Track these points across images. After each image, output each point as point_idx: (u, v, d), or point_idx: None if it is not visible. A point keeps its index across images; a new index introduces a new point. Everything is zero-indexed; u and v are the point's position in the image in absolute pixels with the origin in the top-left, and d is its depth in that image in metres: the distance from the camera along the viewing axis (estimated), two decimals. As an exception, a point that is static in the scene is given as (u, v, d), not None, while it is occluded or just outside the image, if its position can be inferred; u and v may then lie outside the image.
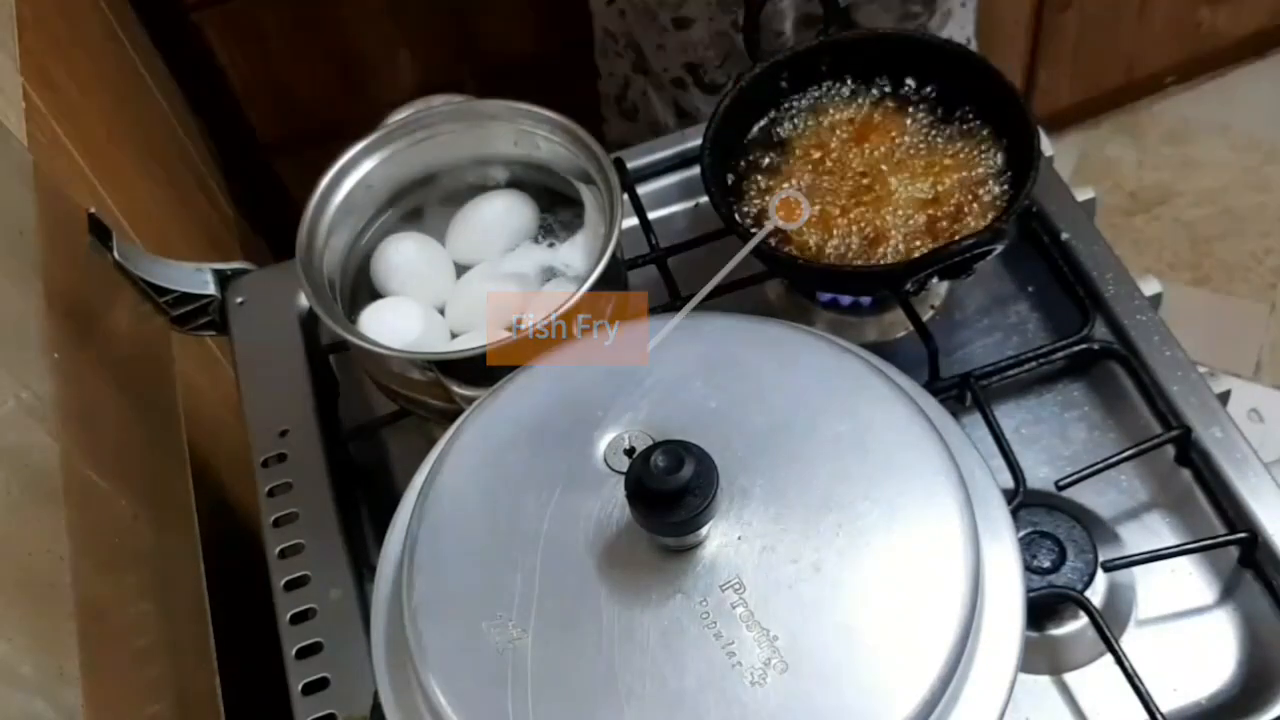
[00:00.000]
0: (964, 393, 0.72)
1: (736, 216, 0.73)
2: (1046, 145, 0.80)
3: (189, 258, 0.86)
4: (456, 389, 0.63)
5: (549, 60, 1.39)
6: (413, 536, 0.47)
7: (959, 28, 1.13)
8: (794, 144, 0.76)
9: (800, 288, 0.79)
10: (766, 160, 0.76)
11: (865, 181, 0.73)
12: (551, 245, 0.74)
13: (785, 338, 0.51)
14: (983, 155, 0.74)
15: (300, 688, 0.66)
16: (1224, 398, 0.71)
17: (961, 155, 0.74)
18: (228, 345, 0.83)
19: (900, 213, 0.72)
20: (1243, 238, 1.75)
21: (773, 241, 0.72)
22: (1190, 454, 0.69)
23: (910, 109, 0.76)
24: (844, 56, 0.77)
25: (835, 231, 0.72)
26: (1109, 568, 0.65)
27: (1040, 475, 0.70)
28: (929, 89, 0.76)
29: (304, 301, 0.83)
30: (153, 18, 1.21)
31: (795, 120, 0.77)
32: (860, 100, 0.77)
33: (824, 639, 0.42)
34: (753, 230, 0.72)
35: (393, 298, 0.74)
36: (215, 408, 0.93)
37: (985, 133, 0.74)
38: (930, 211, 0.72)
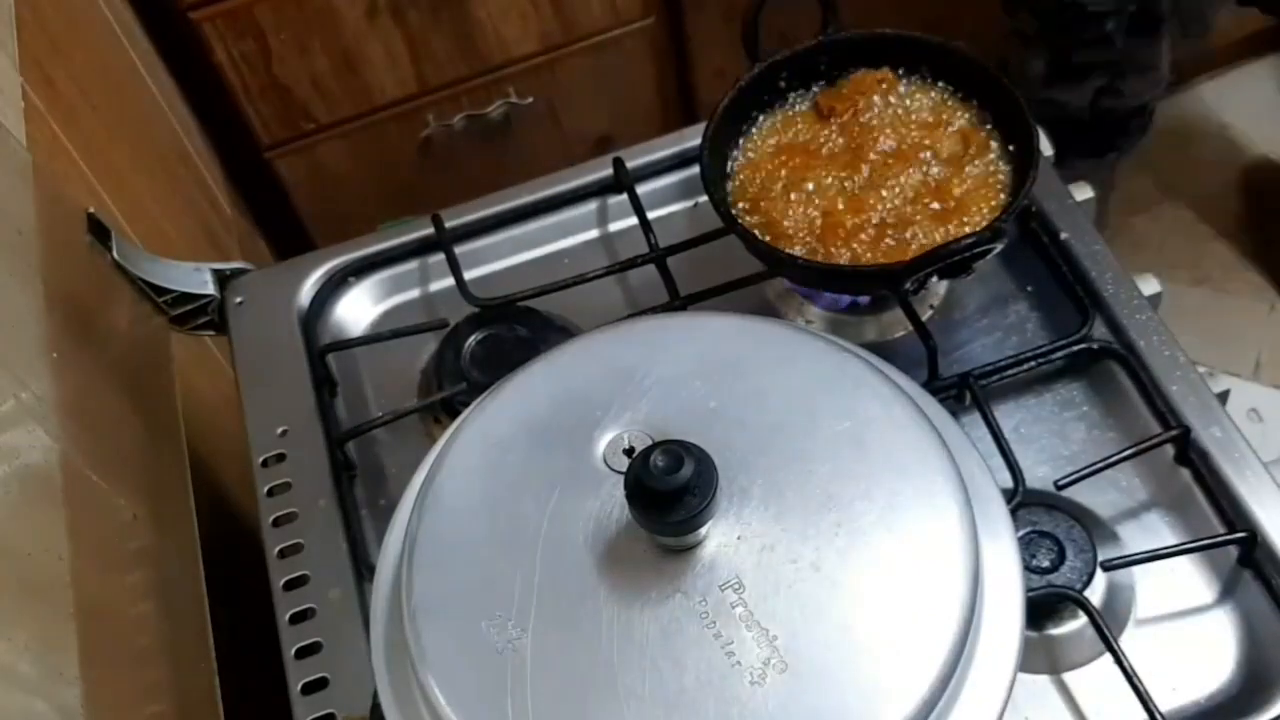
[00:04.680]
0: (963, 392, 0.72)
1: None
2: (1046, 145, 0.80)
3: (188, 257, 0.86)
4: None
5: (549, 60, 1.39)
6: (412, 536, 0.47)
7: None
8: (793, 142, 0.76)
9: (800, 287, 0.79)
10: (767, 159, 0.76)
11: (866, 179, 0.73)
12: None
13: (785, 338, 0.51)
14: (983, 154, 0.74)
15: (300, 687, 0.66)
16: (1223, 397, 0.71)
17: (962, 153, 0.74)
18: (227, 345, 0.83)
19: (900, 209, 0.72)
20: (1243, 238, 1.75)
21: (770, 239, 0.72)
22: (1189, 454, 0.69)
23: (910, 108, 0.76)
24: (843, 56, 0.77)
25: (836, 230, 0.72)
26: (1108, 567, 0.65)
27: (1039, 475, 0.70)
28: (930, 83, 0.76)
29: (304, 301, 0.83)
30: (152, 18, 1.21)
31: (795, 119, 0.77)
32: (857, 100, 0.77)
33: (823, 638, 0.42)
34: (752, 230, 0.72)
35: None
36: (215, 408, 0.93)
37: (986, 132, 0.74)
38: (930, 208, 0.72)
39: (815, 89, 0.78)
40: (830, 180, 0.74)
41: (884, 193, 0.73)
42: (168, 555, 0.74)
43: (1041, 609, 0.64)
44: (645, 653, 0.42)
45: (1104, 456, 0.68)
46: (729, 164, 0.76)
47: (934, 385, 0.71)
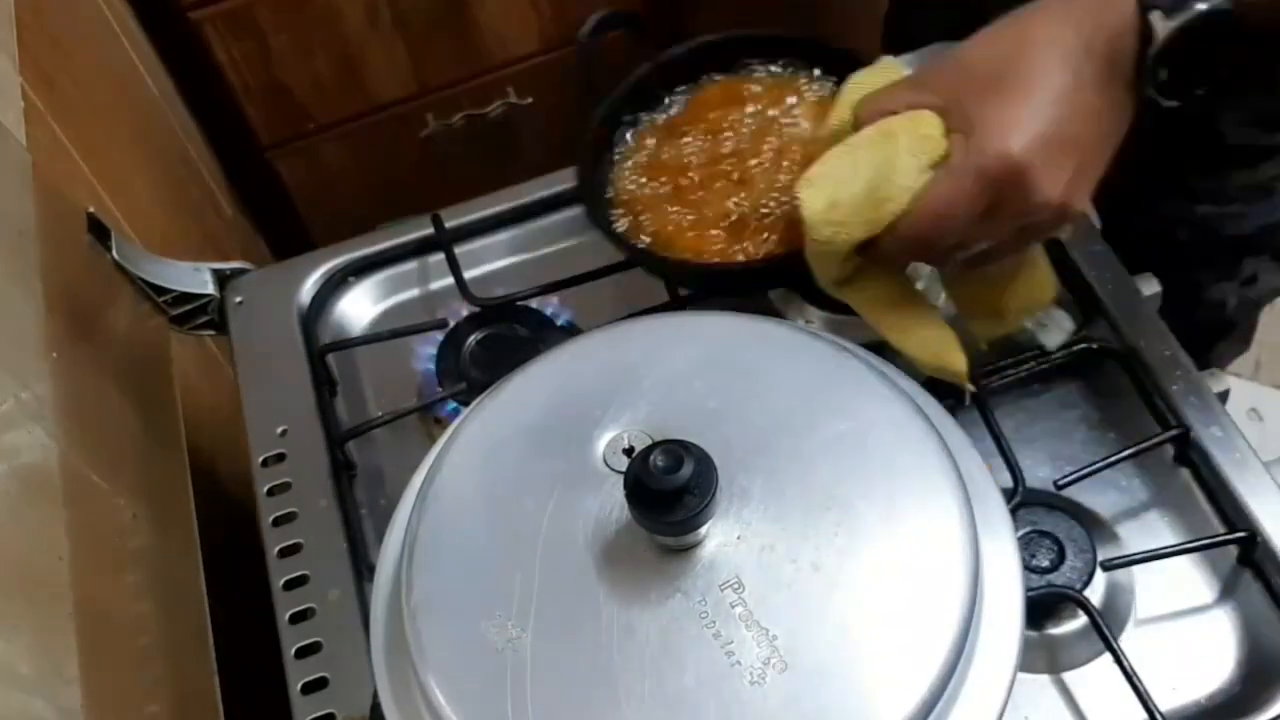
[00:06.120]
0: (963, 392, 0.72)
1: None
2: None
3: (188, 257, 0.86)
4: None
5: (549, 60, 1.39)
6: (412, 536, 0.47)
7: None
8: (659, 160, 0.74)
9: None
10: (640, 182, 0.74)
11: (738, 178, 0.72)
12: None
13: (785, 338, 0.51)
14: None
15: (299, 687, 0.66)
16: (1223, 397, 0.71)
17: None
18: (227, 345, 0.83)
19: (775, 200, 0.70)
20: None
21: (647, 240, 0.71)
22: (1189, 453, 0.69)
23: (759, 94, 0.75)
24: (680, 70, 0.76)
25: (729, 232, 0.70)
26: (1108, 567, 0.65)
27: (1039, 475, 0.70)
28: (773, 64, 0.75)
29: (304, 301, 0.83)
30: (152, 18, 1.21)
31: (655, 133, 0.75)
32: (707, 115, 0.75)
33: (823, 638, 0.42)
34: (634, 242, 0.71)
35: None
36: (215, 408, 0.93)
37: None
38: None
39: (672, 99, 0.76)
40: (703, 186, 0.72)
41: (759, 185, 0.71)
42: (168, 555, 0.74)
43: (1041, 609, 0.64)
44: (645, 653, 0.42)
45: (1104, 456, 0.68)
46: (608, 191, 0.74)
47: (934, 385, 0.71)
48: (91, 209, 0.79)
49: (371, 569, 0.68)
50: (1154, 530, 0.68)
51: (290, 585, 0.70)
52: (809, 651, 0.42)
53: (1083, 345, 0.73)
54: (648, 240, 0.71)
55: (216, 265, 0.85)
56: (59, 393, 0.65)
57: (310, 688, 0.66)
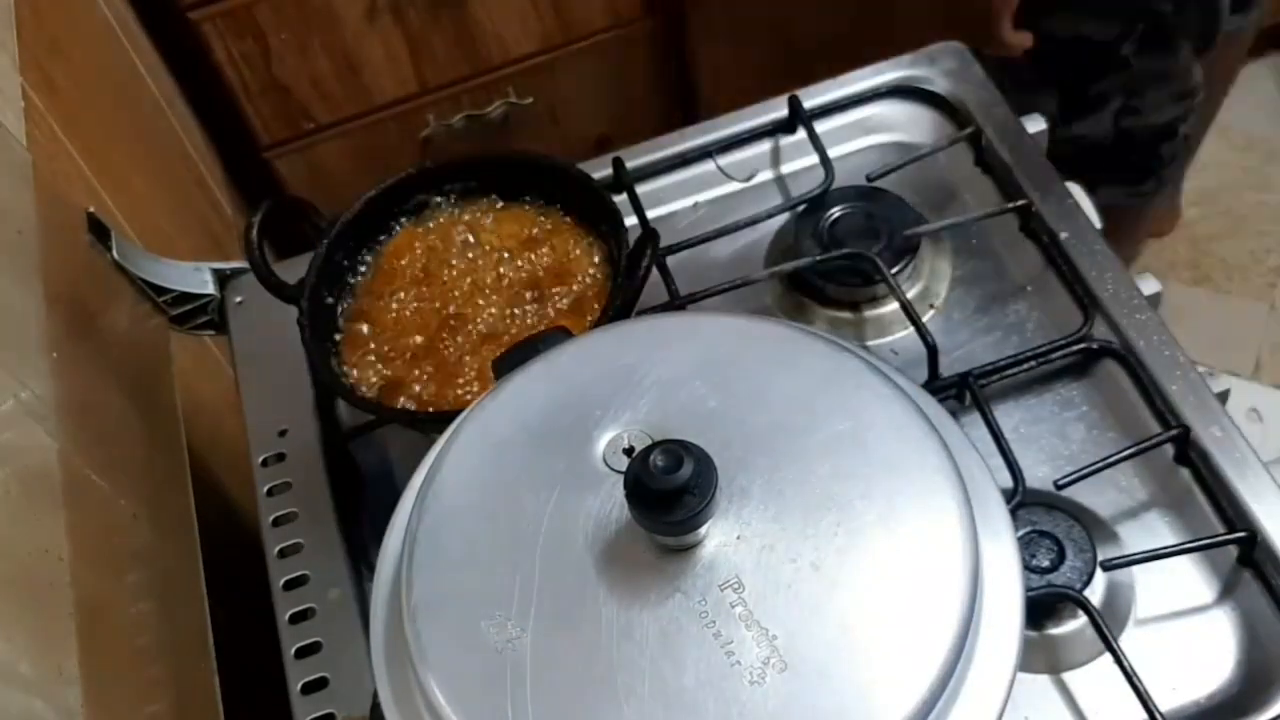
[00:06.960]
0: (963, 392, 0.72)
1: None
2: (1045, 141, 0.80)
3: (188, 257, 0.86)
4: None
5: (549, 60, 1.39)
6: (412, 536, 0.47)
7: None
8: (377, 318, 0.75)
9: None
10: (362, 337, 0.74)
11: (457, 312, 0.73)
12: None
13: (785, 338, 0.51)
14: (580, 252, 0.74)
15: (299, 687, 0.66)
16: (1223, 397, 0.71)
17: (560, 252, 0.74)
18: (227, 345, 0.83)
19: (512, 323, 0.72)
20: (1243, 237, 1.75)
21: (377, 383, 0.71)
22: (1189, 453, 0.69)
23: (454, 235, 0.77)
24: (364, 230, 0.78)
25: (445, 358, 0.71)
26: (1108, 567, 0.65)
27: (1039, 475, 0.70)
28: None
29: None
30: (152, 18, 1.21)
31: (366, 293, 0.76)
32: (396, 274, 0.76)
33: (823, 638, 0.42)
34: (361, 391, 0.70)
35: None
36: (215, 408, 0.93)
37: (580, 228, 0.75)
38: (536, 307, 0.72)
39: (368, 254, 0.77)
40: (432, 336, 0.72)
41: (486, 313, 0.72)
42: (168, 555, 0.74)
43: (1041, 609, 0.64)
44: (644, 652, 0.42)
45: (1104, 456, 0.68)
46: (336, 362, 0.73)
47: (934, 385, 0.71)
48: (91, 209, 0.79)
49: (371, 568, 0.68)
50: (1154, 530, 0.68)
51: (290, 585, 0.70)
52: (809, 651, 0.42)
53: (1083, 345, 0.73)
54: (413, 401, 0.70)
55: (216, 265, 0.85)
56: (59, 393, 0.65)
57: (310, 688, 0.66)
